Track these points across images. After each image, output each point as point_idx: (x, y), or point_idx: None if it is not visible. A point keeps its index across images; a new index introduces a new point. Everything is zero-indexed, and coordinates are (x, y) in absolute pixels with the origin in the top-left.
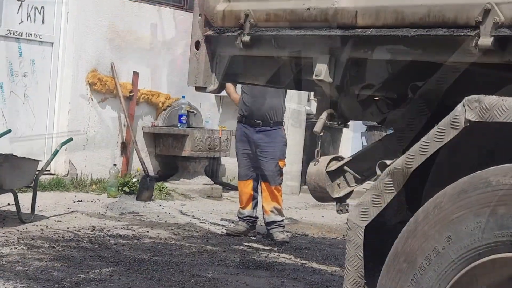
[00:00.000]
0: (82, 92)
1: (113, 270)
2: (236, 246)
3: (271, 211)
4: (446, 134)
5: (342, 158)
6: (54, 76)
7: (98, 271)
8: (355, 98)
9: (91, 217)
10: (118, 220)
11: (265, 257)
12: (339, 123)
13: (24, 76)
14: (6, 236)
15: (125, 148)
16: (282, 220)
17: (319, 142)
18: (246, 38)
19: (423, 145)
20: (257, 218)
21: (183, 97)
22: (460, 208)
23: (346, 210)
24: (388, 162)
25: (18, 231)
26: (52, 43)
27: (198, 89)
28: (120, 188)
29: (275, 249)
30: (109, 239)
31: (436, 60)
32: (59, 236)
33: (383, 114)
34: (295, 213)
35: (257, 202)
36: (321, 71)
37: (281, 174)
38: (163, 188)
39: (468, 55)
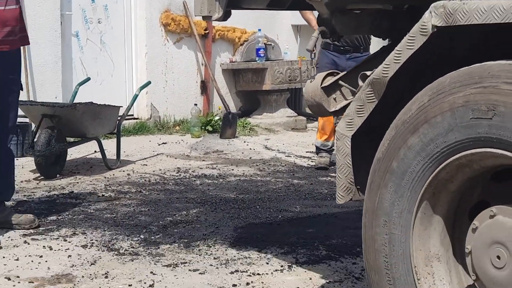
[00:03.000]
0: (157, 34)
1: (200, 211)
2: (323, 178)
3: None
4: (417, 41)
5: (338, 73)
6: (128, 20)
7: (185, 212)
8: (346, 13)
9: (176, 158)
10: (203, 160)
11: None
12: (333, 39)
13: (98, 22)
14: (93, 184)
15: (205, 87)
16: None
17: (313, 60)
18: None
19: (396, 53)
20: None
21: (259, 30)
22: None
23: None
24: (368, 73)
25: (105, 178)
26: None
27: (205, 18)
28: (203, 127)
29: None
30: (194, 180)
31: None
32: (145, 180)
33: (377, 26)
34: None
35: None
36: None
37: None
38: (246, 124)
39: None
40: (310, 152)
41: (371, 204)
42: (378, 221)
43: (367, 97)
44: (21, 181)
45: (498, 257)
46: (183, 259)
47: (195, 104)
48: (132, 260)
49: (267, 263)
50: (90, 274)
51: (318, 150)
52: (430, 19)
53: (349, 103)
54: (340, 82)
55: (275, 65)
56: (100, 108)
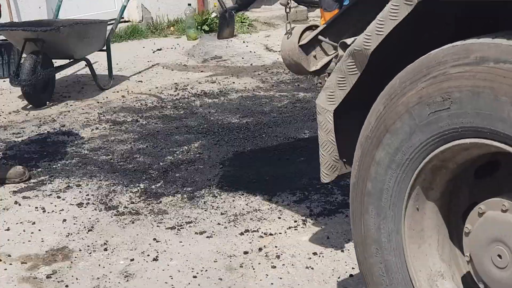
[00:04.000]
0: None
1: (202, 144)
2: None
3: None
4: (401, 11)
5: (317, 27)
6: None
7: (186, 148)
8: None
9: (172, 70)
10: (201, 71)
11: None
12: None
13: None
14: (86, 113)
15: None
16: None
17: (288, 15)
18: None
19: (378, 24)
20: None
21: None
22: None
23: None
24: (348, 41)
25: (98, 102)
26: None
27: None
28: (199, 27)
29: None
30: (194, 100)
31: None
32: (141, 104)
33: None
34: None
35: None
36: None
37: None
38: (244, 19)
39: None
40: None
41: (358, 235)
42: (369, 251)
43: (349, 68)
44: (9, 113)
45: (500, 256)
46: (188, 216)
47: (189, 4)
48: (133, 222)
49: (279, 217)
50: (88, 246)
51: None
52: None
53: (330, 60)
54: (320, 37)
55: None
56: (86, 27)
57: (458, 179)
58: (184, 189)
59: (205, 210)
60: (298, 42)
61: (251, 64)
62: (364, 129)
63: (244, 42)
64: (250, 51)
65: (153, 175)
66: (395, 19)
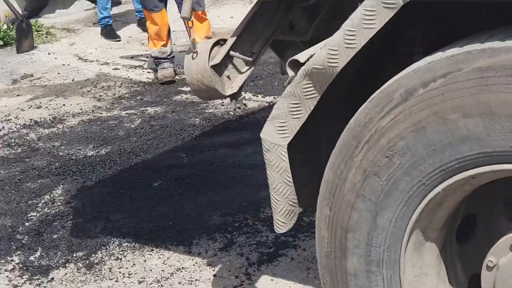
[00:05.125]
0: None
1: (66, 190)
2: (178, 97)
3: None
4: (378, 17)
5: (224, 41)
6: None
7: (48, 197)
8: None
9: None
10: (18, 94)
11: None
12: None
13: None
14: None
15: None
16: None
17: (190, 29)
18: None
19: (348, 35)
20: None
21: None
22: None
23: (245, 104)
24: (301, 58)
25: None
26: None
27: None
28: None
29: None
30: (27, 133)
31: None
32: None
33: None
34: None
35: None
36: None
37: None
38: (39, 27)
39: None
40: (136, 57)
41: None
42: None
43: (305, 92)
44: None
45: None
46: None
47: None
48: None
49: (215, 276)
50: None
51: (157, 60)
52: None
53: (245, 80)
54: (232, 53)
55: None
56: None
57: (442, 253)
58: (74, 255)
59: (116, 281)
60: (209, 63)
61: (73, 80)
62: (319, 248)
63: (49, 53)
64: (63, 64)
65: (23, 241)
66: (371, 27)
